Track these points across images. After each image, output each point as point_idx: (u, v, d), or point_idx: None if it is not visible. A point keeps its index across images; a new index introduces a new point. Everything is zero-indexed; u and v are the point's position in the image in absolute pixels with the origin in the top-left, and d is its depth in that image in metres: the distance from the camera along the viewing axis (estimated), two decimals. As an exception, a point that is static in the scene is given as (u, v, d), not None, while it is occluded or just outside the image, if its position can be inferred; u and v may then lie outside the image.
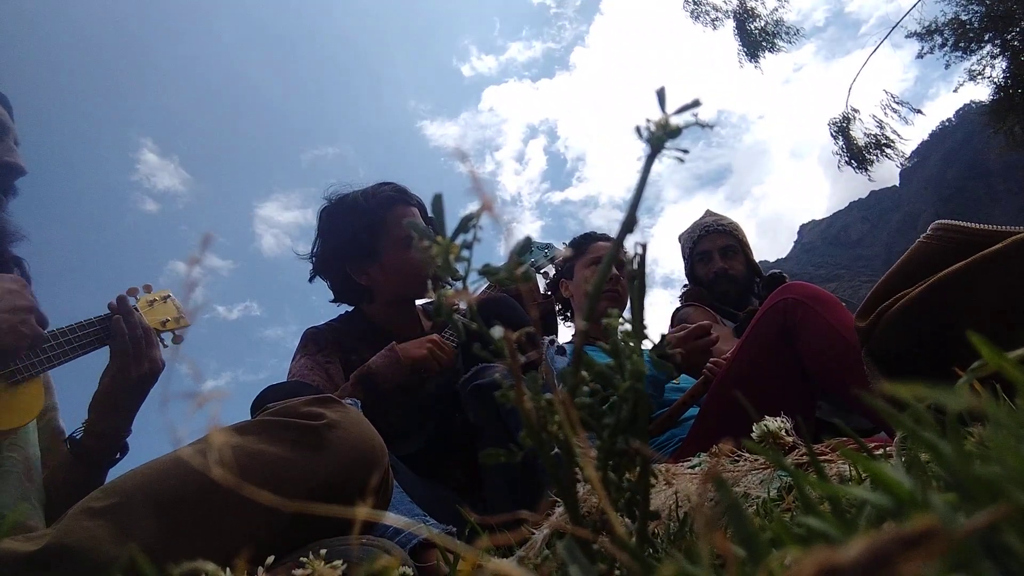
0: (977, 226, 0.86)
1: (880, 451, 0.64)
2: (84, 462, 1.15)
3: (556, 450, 0.32)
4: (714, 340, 1.71)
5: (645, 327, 0.35)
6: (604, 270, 0.33)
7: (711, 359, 1.69)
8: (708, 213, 2.52)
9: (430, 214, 0.34)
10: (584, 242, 2.27)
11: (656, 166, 0.33)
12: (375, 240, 1.67)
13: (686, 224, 2.57)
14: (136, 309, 1.24)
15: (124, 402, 1.18)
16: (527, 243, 0.33)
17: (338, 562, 0.49)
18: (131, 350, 1.17)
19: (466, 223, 0.33)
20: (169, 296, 1.35)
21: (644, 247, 0.35)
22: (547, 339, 1.94)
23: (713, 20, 11.04)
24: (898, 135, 10.30)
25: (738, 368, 1.46)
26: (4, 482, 0.98)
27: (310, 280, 1.76)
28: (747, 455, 0.64)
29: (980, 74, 10.30)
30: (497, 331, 0.32)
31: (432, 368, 1.47)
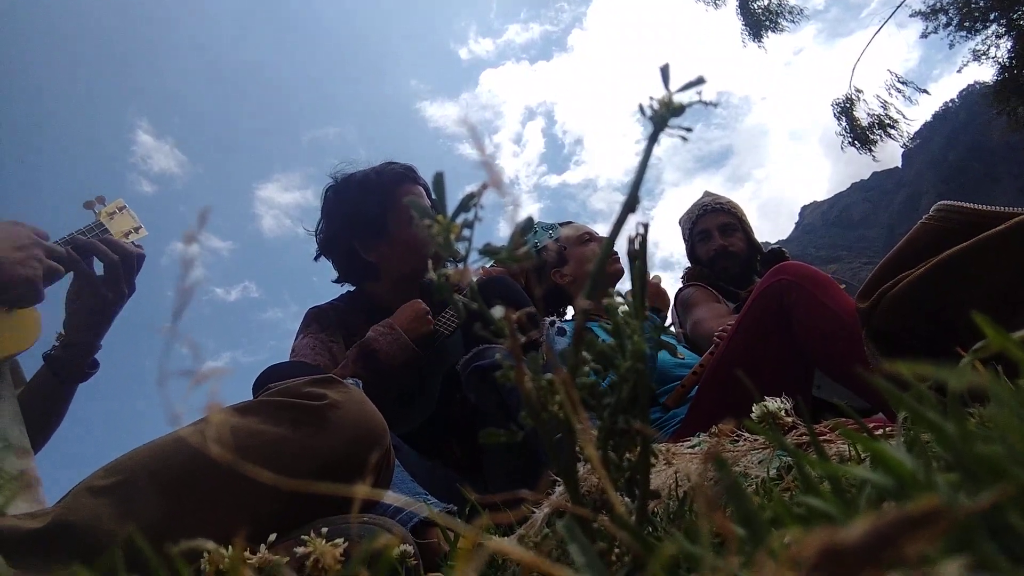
0: (979, 207, 0.85)
1: (880, 431, 0.64)
2: (60, 376, 1.20)
3: (557, 431, 0.32)
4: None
5: (646, 307, 0.35)
6: (607, 245, 0.33)
7: (718, 330, 1.70)
8: (706, 194, 2.53)
9: (432, 195, 0.34)
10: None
11: (656, 148, 0.33)
12: (384, 216, 1.67)
13: (687, 206, 2.57)
14: (106, 228, 1.26)
15: (107, 322, 1.22)
16: (529, 223, 0.33)
17: (339, 540, 0.49)
18: (122, 276, 1.21)
19: (467, 202, 0.33)
20: (125, 206, 1.36)
21: (645, 227, 0.35)
22: (548, 319, 1.95)
23: (716, -1, 10.94)
24: (902, 115, 10.25)
25: (735, 349, 1.47)
26: (2, 404, 1.01)
27: (315, 259, 1.76)
28: (747, 435, 0.64)
29: (984, 54, 10.22)
30: (497, 311, 0.32)
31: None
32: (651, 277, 2.03)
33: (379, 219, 1.67)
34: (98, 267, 1.19)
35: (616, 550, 0.32)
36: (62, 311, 1.19)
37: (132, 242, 1.31)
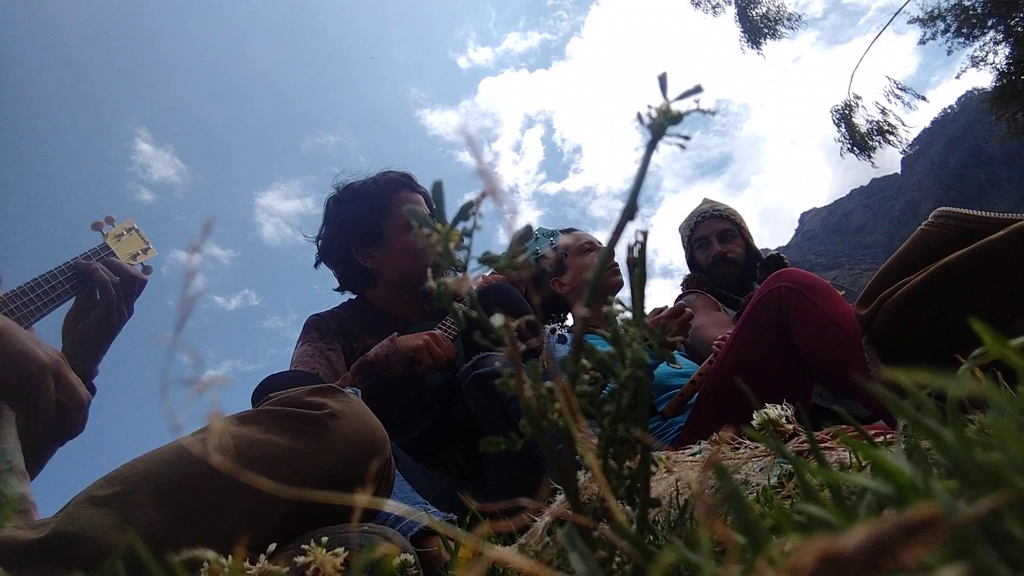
0: (979, 213, 0.86)
1: (880, 438, 0.64)
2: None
3: (557, 439, 0.32)
4: (690, 315, 1.72)
5: (645, 315, 0.35)
6: (605, 255, 0.33)
7: (716, 340, 1.70)
8: (705, 201, 2.54)
9: (431, 202, 0.34)
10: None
11: (655, 156, 0.33)
12: (380, 223, 1.68)
13: (686, 213, 2.57)
14: (112, 251, 1.24)
15: (102, 347, 1.19)
16: (528, 231, 0.33)
17: (339, 549, 0.49)
18: (119, 298, 1.18)
19: (466, 210, 0.33)
20: (134, 227, 1.33)
21: (645, 235, 0.35)
22: (548, 327, 1.95)
23: (714, 7, 11.01)
24: (901, 121, 10.29)
25: (734, 356, 1.46)
26: (7, 427, 1.00)
27: (315, 266, 1.78)
28: (747, 442, 0.64)
29: (983, 60, 10.26)
30: (497, 319, 0.32)
31: (426, 360, 1.43)
32: (687, 311, 1.94)
33: (375, 225, 1.68)
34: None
35: (617, 559, 0.32)
36: (59, 336, 1.17)
37: (141, 264, 1.29)
